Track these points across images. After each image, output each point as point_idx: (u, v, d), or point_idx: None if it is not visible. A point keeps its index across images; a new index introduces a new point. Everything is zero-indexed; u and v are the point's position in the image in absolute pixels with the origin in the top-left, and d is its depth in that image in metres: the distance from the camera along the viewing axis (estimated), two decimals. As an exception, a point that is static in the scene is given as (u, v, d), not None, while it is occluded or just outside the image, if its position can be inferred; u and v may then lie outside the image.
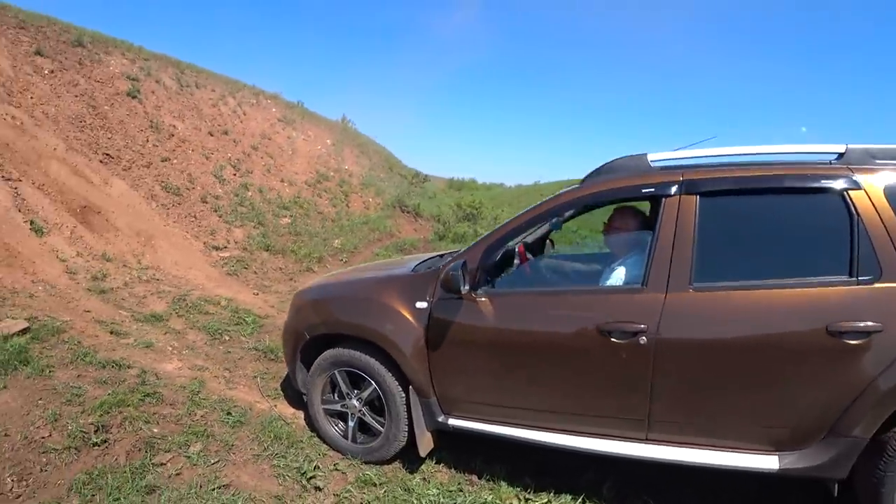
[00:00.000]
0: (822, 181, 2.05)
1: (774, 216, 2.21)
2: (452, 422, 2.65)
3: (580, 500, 2.56)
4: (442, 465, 2.95)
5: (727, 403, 2.12)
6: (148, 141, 8.72)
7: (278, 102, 13.86)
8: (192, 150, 9.46)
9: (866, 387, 1.90)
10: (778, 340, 2.02)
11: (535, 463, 2.83)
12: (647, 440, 2.24)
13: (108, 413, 3.12)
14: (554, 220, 3.41)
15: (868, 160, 2.06)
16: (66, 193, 6.22)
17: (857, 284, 1.95)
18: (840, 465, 1.98)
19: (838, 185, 2.03)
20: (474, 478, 2.83)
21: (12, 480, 2.50)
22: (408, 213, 11.37)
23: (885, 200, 1.98)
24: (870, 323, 1.89)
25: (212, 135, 10.47)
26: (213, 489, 2.61)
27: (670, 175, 2.28)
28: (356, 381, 2.93)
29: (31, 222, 5.46)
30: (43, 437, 2.83)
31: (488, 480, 2.78)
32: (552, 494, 2.62)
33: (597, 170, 2.56)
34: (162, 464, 2.81)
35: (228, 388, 3.79)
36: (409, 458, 2.88)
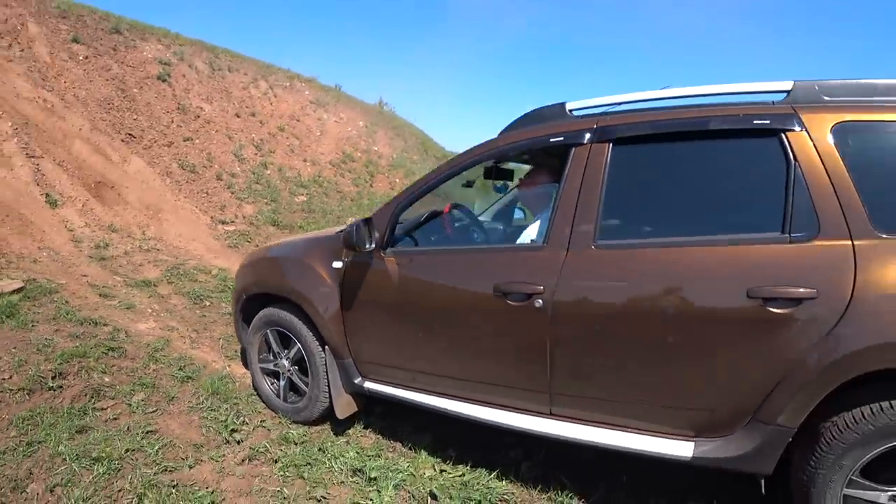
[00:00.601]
0: (755, 121, 1.82)
1: (697, 165, 2.01)
2: (368, 385, 2.69)
3: (494, 474, 2.51)
4: (370, 430, 3.01)
5: (633, 378, 1.95)
6: (173, 122, 9.38)
7: (313, 86, 14.37)
8: (216, 131, 10.06)
9: (794, 365, 1.66)
10: (689, 307, 1.82)
11: (462, 435, 2.81)
12: (551, 415, 2.12)
13: (68, 362, 3.45)
14: (499, 185, 3.41)
15: (817, 98, 1.82)
16: (83, 170, 6.86)
17: (790, 242, 1.70)
18: (764, 458, 1.75)
19: (774, 125, 1.79)
20: (398, 445, 2.86)
21: (-33, 410, 2.84)
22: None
23: (830, 143, 1.72)
24: (801, 289, 1.64)
25: (238, 116, 11.07)
26: (140, 434, 2.82)
27: (583, 123, 2.15)
28: (286, 341, 3.04)
29: (47, 195, 6.08)
30: (3, 379, 3.18)
31: (410, 449, 2.81)
32: (468, 468, 2.58)
33: (514, 122, 2.49)
34: (103, 409, 3.08)
35: (191, 347, 4.06)
36: (341, 421, 2.96)
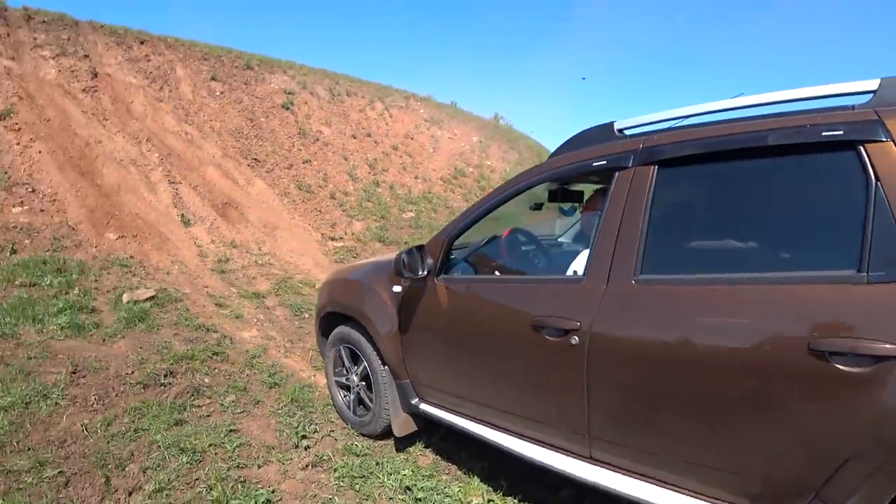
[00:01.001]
0: (824, 133, 1.51)
1: (754, 189, 1.76)
2: (423, 406, 2.75)
3: None
4: (429, 450, 3.05)
5: (674, 430, 1.74)
6: (294, 146, 10.47)
7: (428, 104, 15.15)
8: (333, 153, 11.01)
9: (870, 439, 1.35)
10: (738, 356, 1.56)
11: (517, 467, 2.72)
12: (591, 459, 1.98)
13: (179, 363, 3.99)
14: (567, 208, 3.33)
15: None
16: (213, 192, 7.94)
17: (867, 283, 1.40)
18: None
19: (850, 135, 1.48)
20: (454, 469, 2.87)
21: (94, 398, 3.42)
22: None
23: None
24: (880, 343, 1.32)
25: (355, 137, 12.01)
26: (224, 431, 3.17)
27: (628, 144, 2.01)
28: (356, 358, 3.23)
29: (182, 216, 7.13)
30: (127, 374, 3.78)
31: (465, 474, 2.79)
32: (517, 501, 2.51)
33: (563, 144, 2.41)
34: (199, 406, 3.52)
35: (284, 356, 4.46)
36: (403, 438, 3.05)
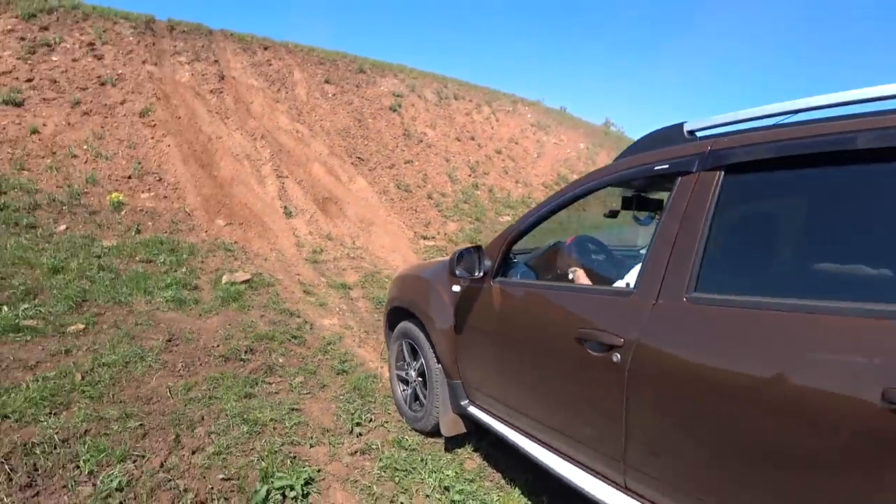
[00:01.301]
0: None
1: (835, 200, 1.53)
2: (472, 409, 2.72)
3: None
4: (477, 454, 3.01)
5: (719, 474, 1.54)
6: (397, 146, 10.93)
7: (536, 109, 15.07)
8: (435, 154, 11.32)
9: None
10: (799, 397, 1.34)
11: (560, 484, 2.61)
12: (626, 489, 1.82)
13: (259, 342, 4.33)
14: (642, 217, 3.13)
15: None
16: (316, 188, 8.52)
17: None
18: None
19: None
20: (498, 477, 2.80)
21: (181, 364, 3.82)
22: (656, 220, 10.76)
23: None
24: None
25: (458, 140, 12.26)
26: (286, 409, 3.38)
27: (695, 147, 1.85)
28: (415, 354, 3.29)
29: (285, 208, 7.74)
30: (213, 347, 4.17)
31: (508, 483, 2.72)
32: None
33: (629, 147, 2.28)
34: (269, 383, 3.78)
35: (357, 346, 4.65)
36: (453, 439, 3.05)
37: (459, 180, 10.84)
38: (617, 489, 1.84)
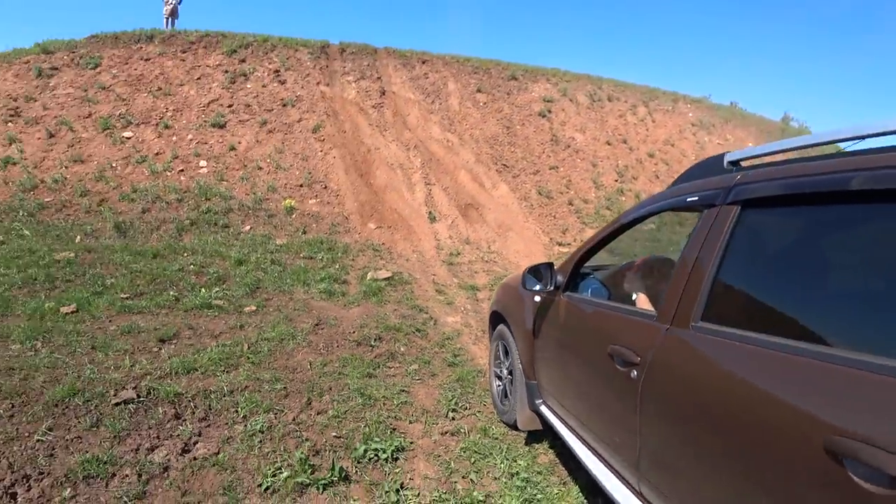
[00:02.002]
0: None
1: (836, 242, 1.55)
2: (542, 408, 3.04)
3: None
4: (552, 451, 3.29)
5: (715, 491, 1.60)
6: (544, 152, 11.22)
7: (700, 107, 14.16)
8: (582, 160, 11.37)
9: None
10: (762, 432, 1.39)
11: None
12: (640, 496, 1.97)
13: (387, 332, 5.07)
14: None
15: None
16: (460, 194, 9.22)
17: None
18: None
19: None
20: (564, 473, 3.06)
21: (322, 345, 4.70)
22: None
23: None
24: None
25: (609, 144, 12.12)
26: (397, 390, 4.00)
27: (725, 180, 1.93)
28: (507, 354, 3.69)
29: (430, 213, 8.56)
30: (350, 333, 5.01)
31: (572, 481, 2.98)
32: None
33: (682, 175, 2.38)
34: (389, 367, 4.46)
35: (472, 343, 5.15)
36: (537, 435, 3.39)
37: (604, 186, 10.77)
38: (634, 494, 2.04)
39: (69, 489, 2.64)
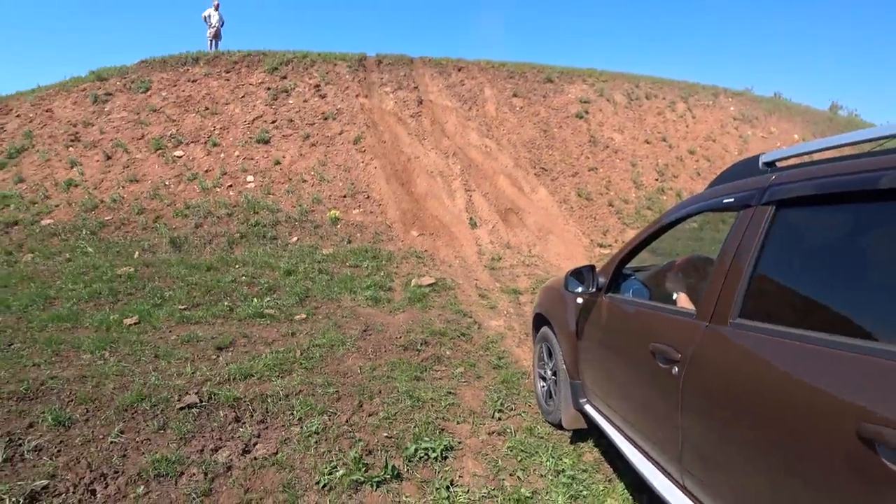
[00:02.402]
0: None
1: (869, 239, 1.58)
2: (586, 407, 3.09)
3: None
4: (597, 449, 3.32)
5: (747, 490, 1.68)
6: (582, 154, 11.17)
7: (742, 99, 13.80)
8: (621, 160, 11.27)
9: None
10: (797, 422, 1.46)
11: None
12: (684, 489, 2.02)
13: (433, 336, 5.19)
14: None
15: None
16: (500, 199, 9.30)
17: None
18: None
19: None
20: (609, 471, 3.09)
21: (371, 350, 4.86)
22: None
23: None
24: None
25: (648, 142, 11.97)
26: (444, 391, 4.11)
27: (760, 181, 1.99)
28: (551, 355, 3.75)
29: (471, 219, 8.67)
30: (396, 338, 5.15)
31: (618, 477, 3.01)
32: None
33: (719, 176, 2.45)
34: (435, 370, 4.58)
35: (516, 346, 5.21)
36: (577, 433, 3.43)
37: (644, 185, 10.63)
38: (678, 488, 2.09)
39: (142, 486, 2.84)
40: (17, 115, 10.86)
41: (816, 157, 1.97)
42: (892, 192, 1.40)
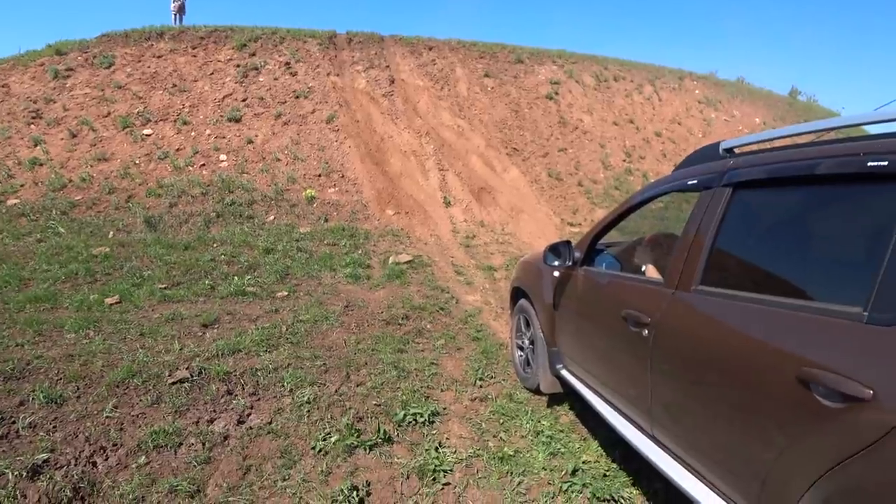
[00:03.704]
0: (870, 163, 1.49)
1: (804, 217, 1.86)
2: (563, 372, 3.33)
3: (632, 486, 2.79)
4: (572, 413, 3.56)
5: (709, 431, 1.94)
6: (552, 135, 11.38)
7: (706, 83, 14.21)
8: (590, 141, 11.53)
9: (827, 470, 1.39)
10: (749, 371, 1.71)
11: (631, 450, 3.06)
12: (652, 437, 2.29)
13: (413, 311, 5.35)
14: None
15: None
16: (472, 179, 9.44)
17: (866, 322, 1.37)
18: None
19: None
20: (584, 431, 3.34)
21: (354, 324, 4.98)
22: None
23: None
24: (855, 383, 1.33)
25: (616, 124, 12.25)
26: (427, 362, 4.28)
27: (720, 165, 2.24)
28: (528, 325, 3.96)
29: (444, 198, 8.80)
30: (378, 313, 5.29)
31: (592, 436, 3.26)
32: (618, 470, 2.91)
33: (682, 161, 2.68)
34: (417, 342, 4.74)
35: (493, 319, 5.42)
36: (554, 396, 3.65)
37: (612, 166, 10.93)
38: (646, 437, 2.35)
39: (143, 457, 2.93)
40: (-29, 91, 10.39)
41: (770, 144, 2.23)
42: (827, 178, 1.65)
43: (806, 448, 1.47)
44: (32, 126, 9.70)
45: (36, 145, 9.24)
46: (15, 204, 7.94)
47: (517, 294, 4.24)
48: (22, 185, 8.36)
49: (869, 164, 1.51)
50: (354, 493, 2.65)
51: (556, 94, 12.38)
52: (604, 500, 2.68)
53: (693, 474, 2.01)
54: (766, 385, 1.63)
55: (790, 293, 1.74)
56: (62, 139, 9.41)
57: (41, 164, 8.87)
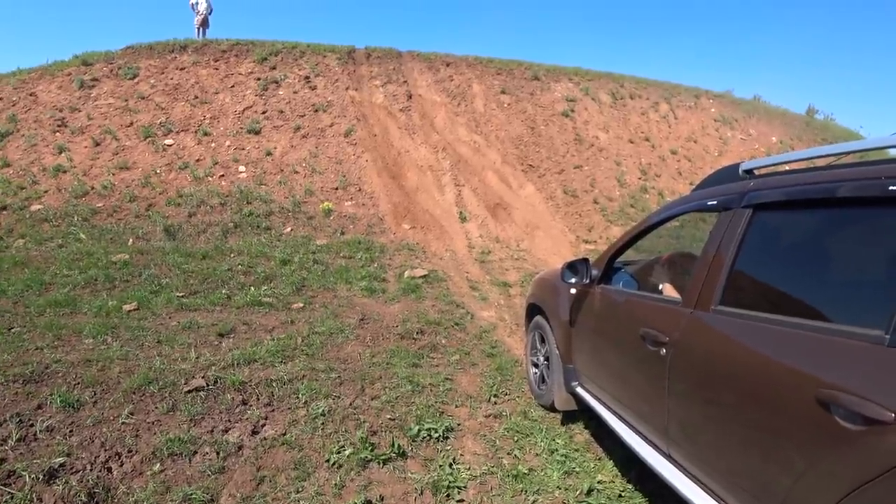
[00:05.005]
0: (891, 187, 1.51)
1: (833, 238, 1.86)
2: (578, 389, 3.31)
3: None
4: (588, 430, 3.53)
5: (726, 452, 1.92)
6: (568, 152, 11.39)
7: (722, 101, 14.18)
8: (605, 158, 11.52)
9: (847, 493, 1.38)
10: (768, 392, 1.71)
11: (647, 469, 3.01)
12: (670, 458, 2.26)
13: (428, 326, 5.35)
14: None
15: None
16: (488, 194, 9.46)
17: (887, 345, 1.38)
18: None
19: None
20: (599, 450, 3.30)
21: (369, 338, 4.99)
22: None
23: None
24: (876, 406, 1.32)
25: (632, 142, 12.24)
26: (442, 378, 4.26)
27: (740, 186, 2.25)
28: (544, 342, 3.94)
29: (460, 213, 8.82)
30: (393, 327, 5.29)
31: (607, 456, 3.22)
32: (634, 490, 2.86)
33: (701, 181, 2.70)
34: (432, 357, 4.73)
35: (508, 336, 5.39)
36: (572, 416, 3.62)
37: (628, 184, 10.91)
38: (663, 457, 2.32)
39: (158, 464, 2.95)
40: (0, 98, 10.67)
41: (790, 166, 2.24)
42: (848, 201, 1.66)
43: (825, 471, 1.46)
44: (58, 134, 9.92)
45: (60, 153, 9.44)
46: (38, 209, 8.10)
47: (532, 311, 4.23)
48: (45, 191, 8.53)
49: (890, 187, 1.52)
50: (369, 507, 2.64)
51: (572, 111, 12.42)
52: (621, 523, 2.64)
53: (710, 496, 1.99)
54: (785, 406, 1.62)
55: (810, 315, 1.73)
56: (86, 147, 9.61)
57: (65, 171, 9.05)
